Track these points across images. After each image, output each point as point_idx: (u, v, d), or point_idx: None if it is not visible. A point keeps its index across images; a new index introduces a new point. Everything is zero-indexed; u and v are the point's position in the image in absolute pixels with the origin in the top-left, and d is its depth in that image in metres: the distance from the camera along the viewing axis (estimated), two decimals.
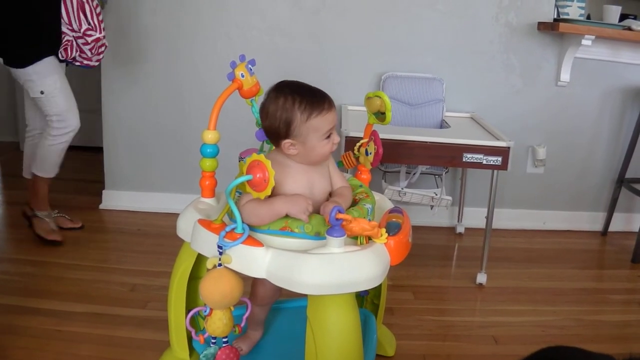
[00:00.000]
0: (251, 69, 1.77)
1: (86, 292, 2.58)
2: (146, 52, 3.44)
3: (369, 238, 1.53)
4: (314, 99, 1.63)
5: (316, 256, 1.44)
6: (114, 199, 3.64)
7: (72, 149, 4.89)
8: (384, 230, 1.55)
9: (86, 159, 4.63)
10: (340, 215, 1.44)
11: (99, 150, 3.73)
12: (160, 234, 3.19)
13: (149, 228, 3.35)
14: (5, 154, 4.84)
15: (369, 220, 1.62)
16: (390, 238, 1.55)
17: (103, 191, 3.66)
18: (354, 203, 1.75)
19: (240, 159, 1.79)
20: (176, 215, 1.76)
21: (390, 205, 1.86)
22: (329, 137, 1.64)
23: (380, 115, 1.87)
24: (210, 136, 1.67)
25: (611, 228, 3.70)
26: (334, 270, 1.43)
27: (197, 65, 3.44)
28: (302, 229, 1.53)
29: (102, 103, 3.55)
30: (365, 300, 2.18)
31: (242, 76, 1.74)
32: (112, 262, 2.92)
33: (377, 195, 1.91)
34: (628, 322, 2.66)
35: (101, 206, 3.64)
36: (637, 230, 3.33)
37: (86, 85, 4.68)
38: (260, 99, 1.82)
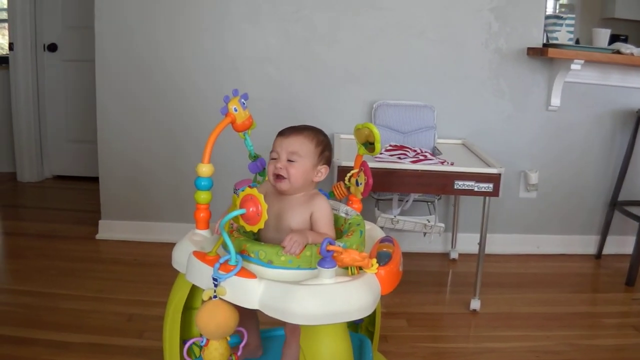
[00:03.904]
0: (244, 103, 1.80)
1: (83, 322, 2.59)
2: (141, 84, 3.48)
3: (360, 268, 1.56)
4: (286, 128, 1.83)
5: (308, 287, 1.46)
6: (110, 229, 3.65)
7: (68, 179, 4.97)
8: (374, 260, 1.57)
9: (82, 189, 4.66)
10: (331, 247, 1.46)
11: (95, 180, 3.75)
12: (156, 263, 3.21)
13: (145, 258, 3.36)
14: (3, 184, 4.86)
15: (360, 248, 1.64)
16: (380, 268, 1.57)
17: (99, 221, 3.68)
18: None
19: (235, 190, 1.82)
20: (172, 244, 1.78)
21: (381, 235, 1.89)
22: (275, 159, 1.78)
23: (370, 146, 1.90)
24: (204, 169, 1.69)
25: (605, 251, 3.71)
26: (326, 300, 1.45)
27: (191, 95, 3.48)
28: (256, 254, 1.56)
29: (97, 134, 3.58)
30: (360, 327, 2.20)
31: (235, 110, 1.77)
32: (109, 292, 2.92)
33: (368, 225, 1.94)
34: (623, 346, 2.66)
35: (97, 236, 3.64)
36: (630, 252, 3.34)
37: (83, 116, 4.75)
38: (253, 132, 1.86)
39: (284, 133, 1.79)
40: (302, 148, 1.76)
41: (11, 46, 4.73)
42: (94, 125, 3.60)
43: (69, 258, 3.32)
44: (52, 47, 4.83)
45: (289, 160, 1.75)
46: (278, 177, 1.75)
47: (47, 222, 3.87)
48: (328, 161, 1.85)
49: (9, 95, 4.85)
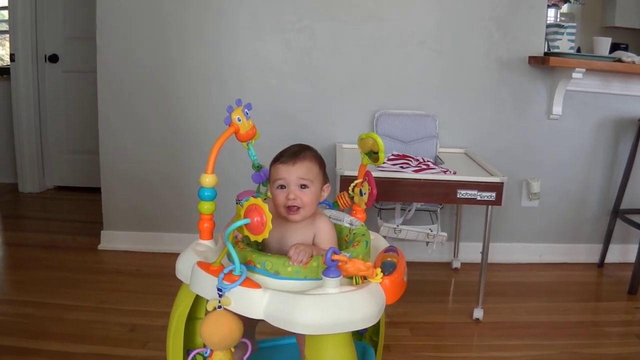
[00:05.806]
0: (247, 113, 1.80)
1: (86, 333, 2.59)
2: (143, 94, 3.49)
3: (365, 278, 1.56)
4: (284, 151, 1.76)
5: (312, 297, 1.46)
6: (112, 240, 3.65)
7: (69, 189, 4.97)
8: (379, 270, 1.56)
9: (84, 199, 4.66)
10: (336, 257, 1.46)
11: (97, 190, 3.75)
12: (159, 274, 3.21)
13: (148, 268, 3.36)
14: (4, 195, 4.86)
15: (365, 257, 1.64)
16: (385, 277, 1.57)
17: (101, 232, 3.68)
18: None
19: (238, 201, 1.82)
20: (175, 255, 1.77)
21: (385, 245, 1.89)
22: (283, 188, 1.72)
23: (374, 155, 1.90)
24: (208, 180, 1.69)
25: (607, 260, 3.71)
26: (330, 310, 1.44)
27: (194, 106, 3.49)
28: (263, 265, 1.56)
29: (99, 144, 3.58)
30: (364, 337, 2.20)
31: (239, 120, 1.77)
32: (112, 302, 2.92)
33: (372, 235, 1.94)
34: (626, 354, 2.66)
35: (100, 247, 3.65)
36: (633, 261, 3.34)
37: (84, 126, 4.75)
38: (256, 142, 1.86)
39: (287, 161, 1.72)
40: (312, 172, 1.74)
41: (12, 57, 4.75)
42: (95, 136, 3.61)
43: (71, 269, 3.32)
44: (53, 58, 4.84)
45: (302, 186, 1.72)
46: (291, 208, 1.71)
47: (49, 233, 3.87)
48: (327, 178, 1.84)
49: (10, 106, 4.87)
